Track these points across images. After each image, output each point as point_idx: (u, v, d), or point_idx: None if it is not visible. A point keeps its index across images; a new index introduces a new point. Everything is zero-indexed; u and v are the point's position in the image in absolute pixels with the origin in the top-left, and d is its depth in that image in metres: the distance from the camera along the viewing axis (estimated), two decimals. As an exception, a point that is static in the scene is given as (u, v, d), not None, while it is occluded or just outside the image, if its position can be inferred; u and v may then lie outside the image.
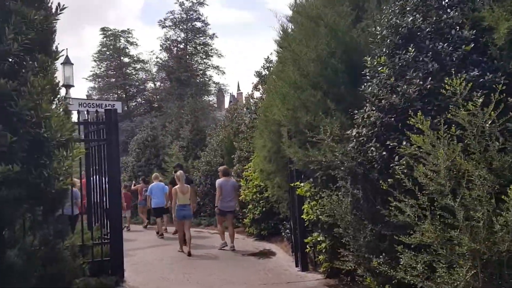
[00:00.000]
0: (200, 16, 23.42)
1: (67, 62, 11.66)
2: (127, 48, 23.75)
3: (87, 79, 23.17)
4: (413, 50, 4.05)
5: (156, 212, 12.15)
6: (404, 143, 3.65)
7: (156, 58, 23.05)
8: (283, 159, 8.14)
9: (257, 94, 12.07)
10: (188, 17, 22.83)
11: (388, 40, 4.46)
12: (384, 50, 4.49)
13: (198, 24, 23.24)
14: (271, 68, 11.23)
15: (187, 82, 21.05)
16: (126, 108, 23.88)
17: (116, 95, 23.67)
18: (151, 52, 23.48)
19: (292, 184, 6.87)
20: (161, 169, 16.01)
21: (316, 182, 6.21)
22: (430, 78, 3.88)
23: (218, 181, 9.72)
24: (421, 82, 3.89)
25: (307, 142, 5.84)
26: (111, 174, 6.47)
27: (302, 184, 6.59)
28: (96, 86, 23.14)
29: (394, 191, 3.52)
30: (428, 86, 3.84)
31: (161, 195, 12.06)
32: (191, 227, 9.55)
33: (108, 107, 11.77)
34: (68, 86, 11.45)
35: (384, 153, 4.03)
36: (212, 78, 23.33)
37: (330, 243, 5.80)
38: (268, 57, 11.75)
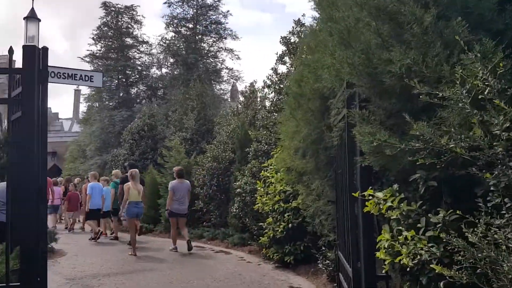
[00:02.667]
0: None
1: (32, 16, 8.80)
2: (130, 26, 20.89)
3: (82, 59, 20.41)
4: None
5: (92, 214, 10.87)
6: None
7: (162, 39, 20.08)
8: (327, 152, 5.22)
9: (282, 69, 9.08)
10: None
11: None
12: None
13: (209, 0, 20.27)
14: (303, 33, 8.20)
15: (194, 66, 18.09)
16: (125, 95, 21.06)
17: (117, 80, 20.80)
18: (159, 36, 20.48)
19: (356, 194, 3.83)
20: (157, 165, 13.10)
21: (413, 193, 3.21)
22: None
23: (171, 183, 9.34)
24: None
25: (400, 113, 2.96)
26: (24, 169, 3.56)
27: (379, 193, 3.56)
28: (92, 68, 20.31)
29: None
30: None
31: (98, 196, 10.87)
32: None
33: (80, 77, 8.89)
34: (31, 49, 8.56)
35: None
36: (224, 62, 20.32)
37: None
38: (299, 19, 8.74)
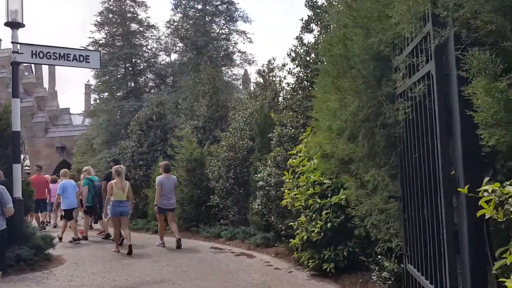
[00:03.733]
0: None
1: (13, -13, 7.54)
2: (135, 10, 19.58)
3: (85, 48, 19.13)
4: None
5: (68, 214, 9.90)
6: None
7: (169, 21, 18.66)
8: (386, 132, 3.98)
9: (309, 38, 7.68)
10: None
11: None
12: None
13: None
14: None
15: (205, 49, 16.72)
16: (133, 85, 19.83)
17: (124, 69, 19.55)
18: (166, 22, 19.02)
19: (464, 190, 2.47)
20: (168, 157, 11.87)
21: None
22: None
23: (158, 178, 9.17)
24: None
25: None
26: None
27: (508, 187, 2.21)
28: (96, 57, 19.09)
29: None
30: None
31: (73, 195, 9.92)
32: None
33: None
34: (15, 25, 7.33)
35: None
36: (236, 45, 18.86)
37: None
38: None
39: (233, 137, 9.74)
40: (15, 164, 7.19)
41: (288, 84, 8.07)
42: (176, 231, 8.86)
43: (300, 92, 7.71)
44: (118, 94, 19.48)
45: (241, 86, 19.83)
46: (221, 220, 9.79)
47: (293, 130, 7.45)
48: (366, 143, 4.15)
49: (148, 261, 7.44)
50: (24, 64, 33.24)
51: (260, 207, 7.89)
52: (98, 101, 20.51)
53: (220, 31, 18.61)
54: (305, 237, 6.02)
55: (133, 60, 19.42)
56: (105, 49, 19.18)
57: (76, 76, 61.27)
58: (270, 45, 66.67)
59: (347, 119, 4.26)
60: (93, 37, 19.12)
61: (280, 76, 10.32)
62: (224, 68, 17.70)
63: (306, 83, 7.62)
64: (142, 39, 20.19)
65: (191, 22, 18.18)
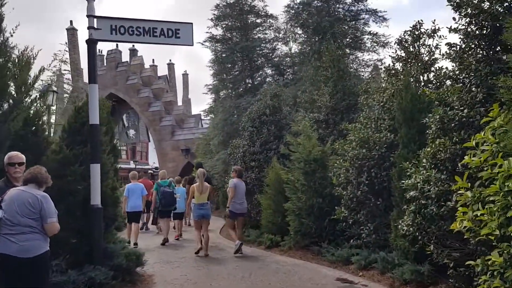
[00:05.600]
0: None
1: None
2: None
3: (202, 44, 18.32)
4: None
5: (131, 217, 9.92)
6: None
7: (288, 5, 16.67)
8: None
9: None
10: None
11: None
12: None
13: None
14: None
15: (329, 32, 14.31)
16: (250, 83, 18.41)
17: (241, 64, 18.26)
18: (287, 6, 17.10)
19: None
20: (283, 157, 9.86)
21: None
22: None
23: (232, 181, 8.88)
24: None
25: None
26: None
27: None
28: (213, 54, 18.11)
29: None
30: None
31: (138, 198, 9.99)
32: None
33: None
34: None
35: None
36: (367, 25, 15.98)
37: None
38: None
39: (365, 129, 7.24)
40: (94, 164, 5.85)
41: (450, 45, 5.31)
42: (239, 235, 8.81)
43: (473, 52, 4.93)
44: (235, 92, 18.26)
45: (371, 76, 16.81)
46: (351, 240, 7.33)
47: (466, 111, 4.72)
48: None
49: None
50: (159, 76, 35.19)
51: (410, 228, 5.29)
52: (216, 101, 19.65)
53: (347, 11, 15.96)
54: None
55: (250, 55, 17.99)
56: (223, 45, 18.10)
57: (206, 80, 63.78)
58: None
59: None
60: (210, 32, 18.19)
61: (430, 45, 7.50)
62: (351, 52, 15.05)
63: (480, 40, 4.82)
64: (260, 32, 18.69)
65: (314, 2, 15.92)
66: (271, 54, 18.68)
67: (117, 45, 29.28)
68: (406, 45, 7.82)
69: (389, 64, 8.26)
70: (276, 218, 9.36)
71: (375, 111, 7.53)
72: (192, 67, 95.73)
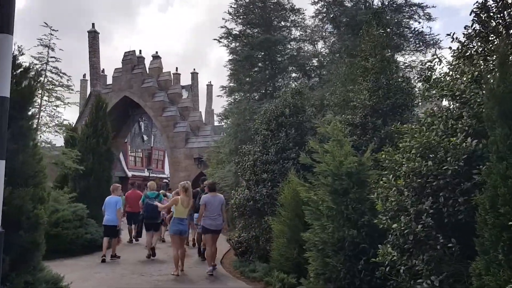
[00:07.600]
0: None
1: None
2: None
3: (219, 40, 16.22)
4: None
5: (106, 231, 9.44)
6: None
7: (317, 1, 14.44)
8: None
9: None
10: None
11: None
12: None
13: None
14: None
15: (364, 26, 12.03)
16: (270, 86, 16.19)
17: (262, 64, 16.12)
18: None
19: None
20: (304, 169, 7.49)
21: None
22: None
23: (203, 197, 8.49)
24: None
25: None
26: None
27: None
28: (230, 54, 16.00)
29: None
30: None
31: (113, 211, 9.44)
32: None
33: None
34: None
35: None
36: (408, 22, 13.55)
37: None
38: None
39: (429, 131, 4.84)
40: None
41: None
42: (213, 258, 8.28)
43: None
44: (253, 94, 16.09)
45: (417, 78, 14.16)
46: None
47: None
48: None
49: None
50: (182, 86, 33.61)
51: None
52: (231, 104, 17.53)
53: (388, 4, 13.58)
54: None
55: (272, 54, 15.82)
56: (241, 42, 16.01)
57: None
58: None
59: None
60: (225, 27, 16.14)
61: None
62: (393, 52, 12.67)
63: None
64: (284, 28, 16.53)
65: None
66: (295, 53, 16.47)
67: (138, 51, 28.00)
68: (487, 16, 5.41)
69: (458, 46, 5.84)
70: (291, 250, 6.96)
71: (442, 106, 5.12)
72: (218, 80, 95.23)
